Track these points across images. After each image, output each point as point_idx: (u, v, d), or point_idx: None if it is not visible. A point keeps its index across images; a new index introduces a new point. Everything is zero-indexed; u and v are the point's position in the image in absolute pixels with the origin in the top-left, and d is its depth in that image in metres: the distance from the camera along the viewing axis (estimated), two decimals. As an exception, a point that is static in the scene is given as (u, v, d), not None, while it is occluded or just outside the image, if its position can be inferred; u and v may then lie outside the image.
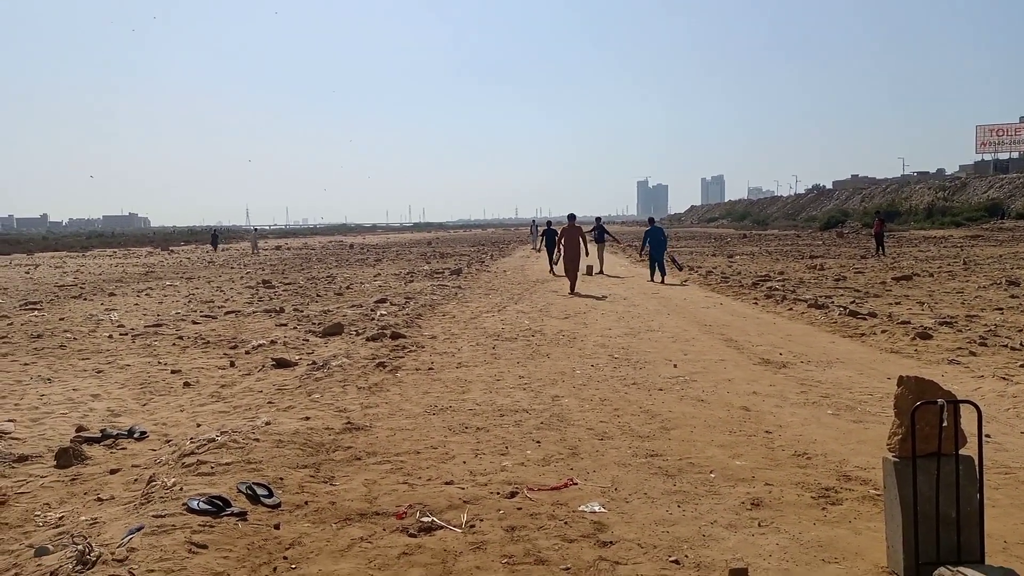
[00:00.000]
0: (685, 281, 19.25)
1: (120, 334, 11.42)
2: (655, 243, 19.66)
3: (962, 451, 3.19)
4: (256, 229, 58.03)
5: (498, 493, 4.35)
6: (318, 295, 17.43)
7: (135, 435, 5.86)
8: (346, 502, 4.22)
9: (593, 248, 24.20)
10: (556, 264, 18.21)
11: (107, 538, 3.67)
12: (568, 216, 18.24)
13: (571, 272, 17.09)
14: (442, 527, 3.87)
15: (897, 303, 13.15)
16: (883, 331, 9.88)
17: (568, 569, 3.38)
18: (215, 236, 55.42)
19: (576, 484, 4.49)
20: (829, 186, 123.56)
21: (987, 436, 4.87)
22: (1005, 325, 10.27)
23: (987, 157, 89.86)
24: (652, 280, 19.38)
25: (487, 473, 4.72)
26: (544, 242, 26.17)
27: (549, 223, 28.33)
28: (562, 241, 17.59)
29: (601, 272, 22.37)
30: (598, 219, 26.18)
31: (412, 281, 20.86)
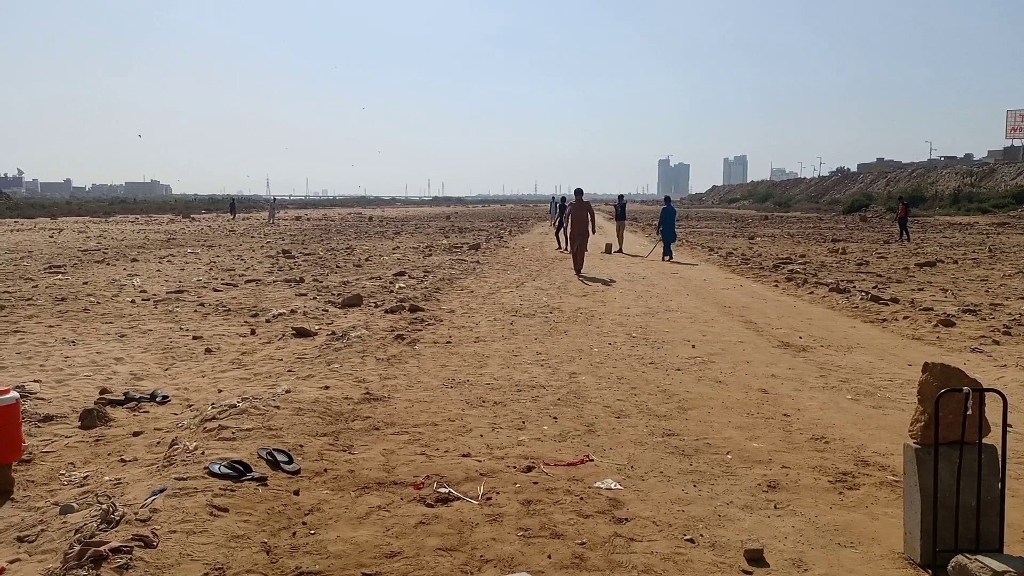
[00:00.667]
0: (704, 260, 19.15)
1: (142, 299, 11.56)
2: (667, 222, 20.09)
3: (985, 440, 3.16)
4: (275, 199, 58.66)
5: (515, 467, 4.38)
6: (337, 266, 17.51)
7: (157, 399, 5.94)
8: (364, 471, 4.27)
9: (613, 226, 24.09)
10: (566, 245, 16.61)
11: (130, 498, 3.74)
12: (575, 191, 16.90)
13: (578, 252, 16.03)
14: (459, 498, 3.90)
15: (920, 289, 13.00)
16: (905, 317, 9.79)
17: (583, 544, 3.40)
18: (233, 204, 56.16)
19: (592, 461, 4.51)
20: (854, 169, 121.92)
21: (1009, 426, 4.82)
22: (1030, 315, 10.13)
23: (1017, 143, 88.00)
24: (665, 258, 19.75)
25: (504, 447, 4.74)
26: (560, 213, 25.62)
27: (563, 199, 27.86)
28: (568, 219, 16.53)
29: (620, 251, 22.28)
30: (620, 197, 26.02)
31: (430, 255, 20.90)
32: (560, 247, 23.42)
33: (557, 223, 24.76)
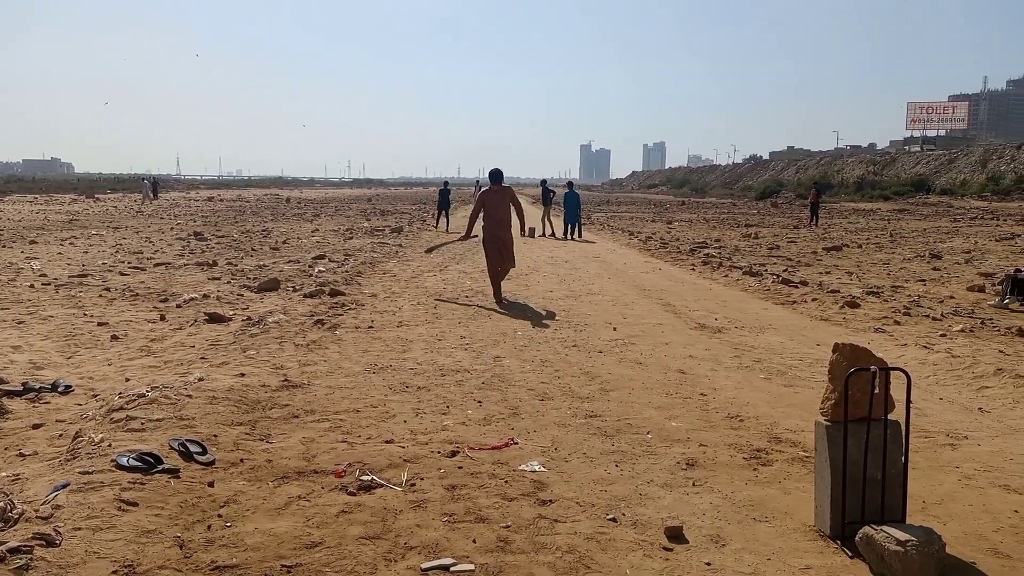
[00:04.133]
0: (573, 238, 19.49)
1: (42, 284, 10.92)
2: (570, 205, 21.88)
3: (889, 416, 3.31)
4: (154, 177, 55.24)
5: (439, 452, 4.34)
6: (253, 249, 16.99)
7: (59, 389, 5.62)
8: (283, 460, 4.15)
9: (539, 211, 24.25)
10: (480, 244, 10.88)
11: (30, 495, 3.52)
12: (491, 174, 10.51)
13: (499, 262, 10.14)
14: (382, 485, 3.84)
15: (827, 272, 13.58)
16: (814, 299, 10.19)
17: (508, 527, 3.41)
18: (155, 184, 52.81)
19: (517, 444, 4.51)
20: (766, 156, 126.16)
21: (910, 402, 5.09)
22: (927, 296, 10.73)
23: (916, 133, 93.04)
24: (565, 237, 21.59)
25: (428, 432, 4.70)
26: (439, 204, 25.30)
27: (446, 183, 26.66)
28: (482, 212, 10.36)
29: (552, 234, 22.33)
30: (544, 181, 26.15)
31: (351, 238, 20.52)
32: (437, 227, 24.12)
33: (441, 207, 25.15)
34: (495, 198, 10.31)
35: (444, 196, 25.22)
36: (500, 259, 10.13)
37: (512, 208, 10.31)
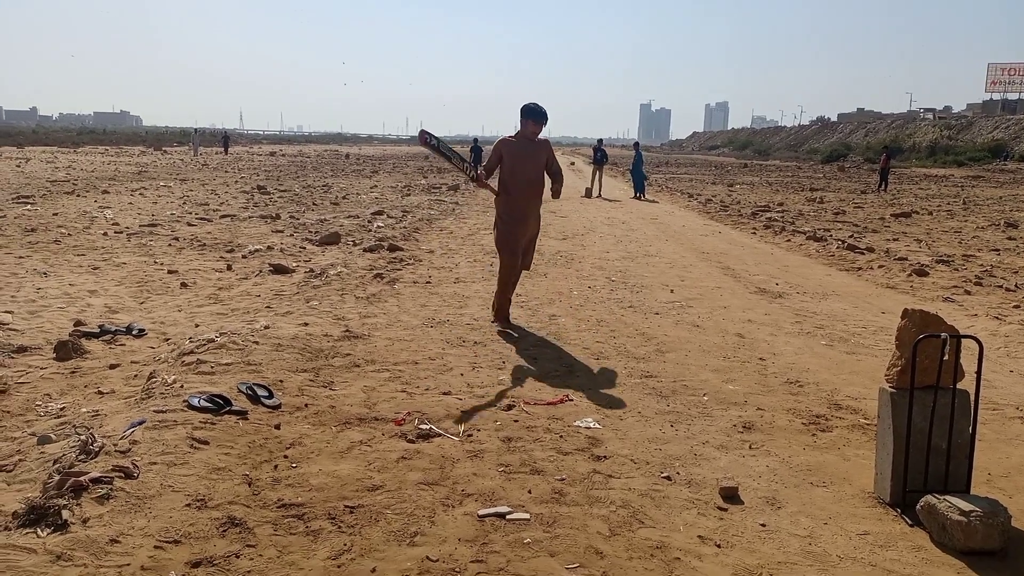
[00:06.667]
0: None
1: (115, 232, 11.34)
2: (637, 165, 22.70)
3: (958, 386, 3.23)
4: (197, 131, 55.60)
5: (495, 405, 4.41)
6: (314, 204, 17.28)
7: (133, 332, 5.88)
8: (345, 407, 4.27)
9: (590, 170, 24.08)
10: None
11: (109, 430, 3.71)
12: (525, 109, 6.25)
13: (513, 251, 6.36)
14: (440, 435, 3.93)
15: (895, 239, 13.15)
16: (880, 266, 9.91)
17: (563, 480, 3.46)
18: (226, 139, 53.68)
19: (572, 400, 4.55)
20: (834, 119, 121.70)
21: (978, 373, 4.93)
22: (1001, 266, 10.31)
23: (996, 96, 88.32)
24: (635, 197, 22.18)
25: (484, 386, 4.77)
26: (472, 158, 25.67)
27: (476, 140, 27.92)
28: (506, 170, 6.29)
29: (600, 196, 22.21)
30: (600, 141, 25.83)
31: (409, 195, 20.69)
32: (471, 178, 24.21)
33: (474, 161, 25.05)
34: (525, 150, 6.28)
35: (475, 153, 26.85)
36: (516, 252, 6.39)
37: (544, 168, 6.37)
